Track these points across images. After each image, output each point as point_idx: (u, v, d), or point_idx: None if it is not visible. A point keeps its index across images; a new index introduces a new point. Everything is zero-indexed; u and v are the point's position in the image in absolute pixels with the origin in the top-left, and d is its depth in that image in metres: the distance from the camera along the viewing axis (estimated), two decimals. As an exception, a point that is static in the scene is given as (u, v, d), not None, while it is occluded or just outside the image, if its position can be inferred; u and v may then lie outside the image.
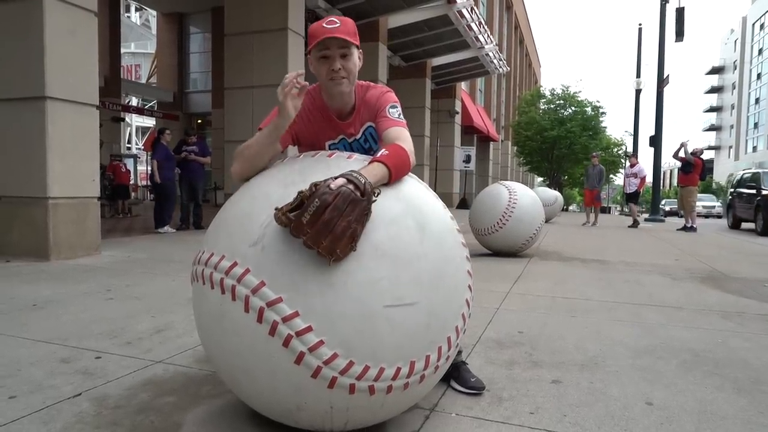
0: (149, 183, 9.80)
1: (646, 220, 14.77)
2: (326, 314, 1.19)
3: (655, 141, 14.56)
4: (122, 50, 18.90)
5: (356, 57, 1.55)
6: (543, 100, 25.96)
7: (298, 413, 1.29)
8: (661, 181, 25.24)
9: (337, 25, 1.47)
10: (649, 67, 61.10)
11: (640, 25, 18.70)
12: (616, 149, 30.99)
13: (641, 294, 3.65)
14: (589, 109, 24.31)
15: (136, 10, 38.83)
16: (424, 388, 1.40)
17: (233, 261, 1.26)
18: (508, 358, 2.19)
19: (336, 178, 1.20)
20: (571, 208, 35.66)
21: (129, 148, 36.36)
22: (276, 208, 1.21)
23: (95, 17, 4.82)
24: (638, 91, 18.02)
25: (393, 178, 1.35)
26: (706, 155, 13.22)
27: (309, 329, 1.18)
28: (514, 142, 29.15)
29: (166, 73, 20.50)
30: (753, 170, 13.28)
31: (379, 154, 1.37)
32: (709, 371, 2.07)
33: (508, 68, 25.01)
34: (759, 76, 56.07)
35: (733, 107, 63.86)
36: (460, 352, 1.83)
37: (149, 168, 7.88)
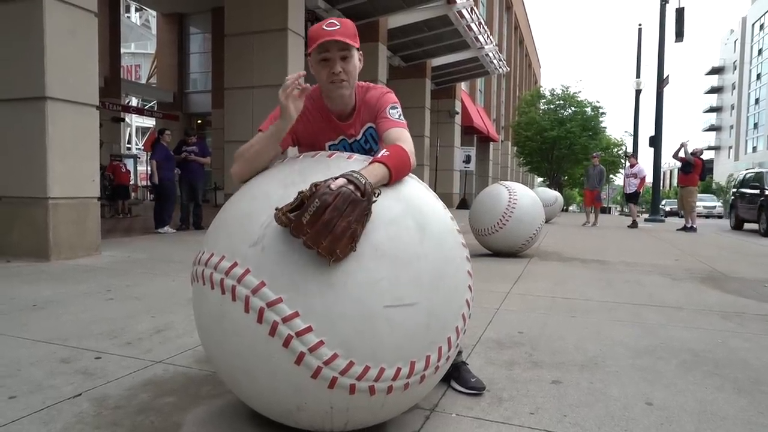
0: (149, 183, 9.81)
1: (646, 220, 14.77)
2: (326, 314, 1.19)
3: (655, 141, 14.56)
4: (122, 50, 18.91)
5: (356, 59, 1.55)
6: (543, 101, 25.96)
7: (298, 414, 1.29)
8: (661, 182, 25.25)
9: (337, 27, 1.47)
10: (649, 67, 61.15)
11: (640, 25, 18.73)
12: (616, 149, 30.99)
13: (641, 294, 3.65)
14: (589, 110, 24.31)
15: (136, 10, 38.86)
16: (424, 389, 1.40)
17: (233, 261, 1.26)
18: (508, 358, 2.19)
19: (336, 178, 1.20)
20: (571, 208, 35.67)
21: (129, 149, 36.37)
22: (276, 209, 1.21)
23: (95, 17, 4.82)
24: (638, 92, 18.03)
25: (393, 178, 1.35)
26: (706, 155, 13.21)
27: (309, 329, 1.18)
28: (514, 142, 29.16)
29: (166, 74, 20.50)
30: (756, 170, 13.08)
31: (379, 155, 1.37)
32: (709, 371, 2.07)
33: (508, 68, 25.02)
34: (759, 76, 56.07)
35: (732, 107, 63.87)
36: (460, 353, 1.83)
37: (149, 168, 7.89)
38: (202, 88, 19.56)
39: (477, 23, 14.44)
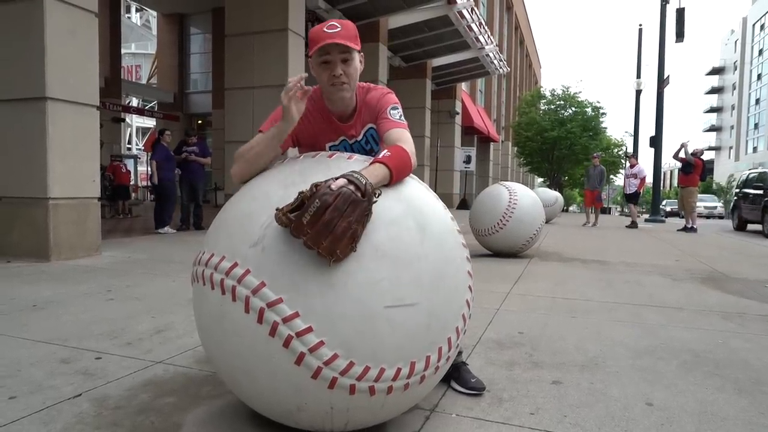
0: (149, 184, 9.82)
1: (646, 220, 14.76)
2: (326, 315, 1.19)
3: (656, 141, 14.55)
4: (123, 51, 18.93)
5: (357, 61, 1.54)
6: (543, 101, 25.95)
7: (299, 414, 1.29)
8: (662, 182, 25.25)
9: (338, 29, 1.46)
10: (649, 67, 61.22)
11: (640, 25, 18.72)
12: (616, 150, 30.99)
13: (641, 295, 3.64)
14: (589, 110, 24.30)
15: (137, 10, 38.91)
16: (424, 389, 1.40)
17: (234, 262, 1.26)
18: (509, 358, 2.18)
19: (337, 178, 1.20)
20: (571, 208, 35.66)
21: (129, 149, 36.41)
22: (276, 209, 1.21)
23: (96, 18, 4.82)
24: (638, 92, 18.02)
25: (394, 179, 1.35)
26: (707, 156, 13.17)
27: (309, 330, 1.18)
28: (514, 142, 29.16)
29: (167, 74, 20.52)
30: (760, 170, 12.89)
31: (380, 155, 1.37)
32: (709, 372, 2.07)
33: (509, 69, 25.03)
34: (759, 76, 56.05)
35: (733, 108, 63.84)
36: (460, 353, 1.83)
37: (149, 169, 7.89)
38: (203, 89, 19.58)
39: (477, 23, 14.45)
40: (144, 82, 29.57)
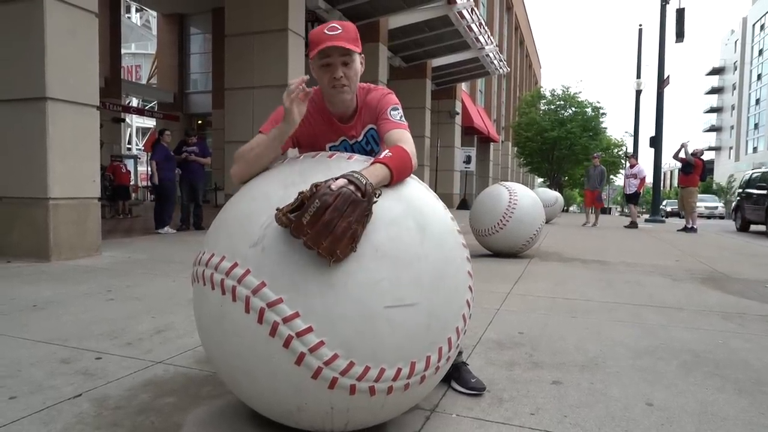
0: (149, 184, 9.81)
1: (646, 220, 14.76)
2: (327, 315, 1.18)
3: (656, 142, 14.55)
4: (123, 51, 18.93)
5: (358, 63, 1.54)
6: (543, 101, 25.96)
7: (299, 414, 1.29)
8: (662, 182, 25.25)
9: (339, 31, 1.46)
10: (649, 67, 61.20)
11: (640, 26, 18.71)
12: (616, 150, 30.99)
13: (642, 295, 3.64)
14: (589, 110, 24.31)
15: (137, 10, 38.92)
16: (424, 389, 1.40)
17: (234, 262, 1.26)
18: (509, 358, 2.18)
19: (337, 178, 1.20)
20: (571, 209, 35.66)
21: (129, 149, 36.42)
22: (276, 209, 1.21)
23: (96, 18, 4.82)
24: (638, 92, 18.02)
25: (394, 179, 1.35)
26: (707, 156, 13.18)
27: (309, 330, 1.18)
28: (514, 143, 29.16)
29: (167, 74, 20.53)
30: (763, 170, 12.71)
31: (381, 156, 1.37)
32: (709, 372, 2.07)
33: (509, 69, 25.03)
34: (759, 76, 56.05)
35: (733, 108, 63.84)
36: (460, 353, 1.83)
37: (149, 169, 7.90)
38: (203, 89, 19.59)
39: (477, 24, 14.45)
40: (144, 82, 29.59)
